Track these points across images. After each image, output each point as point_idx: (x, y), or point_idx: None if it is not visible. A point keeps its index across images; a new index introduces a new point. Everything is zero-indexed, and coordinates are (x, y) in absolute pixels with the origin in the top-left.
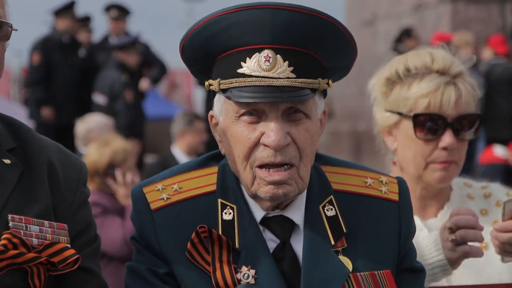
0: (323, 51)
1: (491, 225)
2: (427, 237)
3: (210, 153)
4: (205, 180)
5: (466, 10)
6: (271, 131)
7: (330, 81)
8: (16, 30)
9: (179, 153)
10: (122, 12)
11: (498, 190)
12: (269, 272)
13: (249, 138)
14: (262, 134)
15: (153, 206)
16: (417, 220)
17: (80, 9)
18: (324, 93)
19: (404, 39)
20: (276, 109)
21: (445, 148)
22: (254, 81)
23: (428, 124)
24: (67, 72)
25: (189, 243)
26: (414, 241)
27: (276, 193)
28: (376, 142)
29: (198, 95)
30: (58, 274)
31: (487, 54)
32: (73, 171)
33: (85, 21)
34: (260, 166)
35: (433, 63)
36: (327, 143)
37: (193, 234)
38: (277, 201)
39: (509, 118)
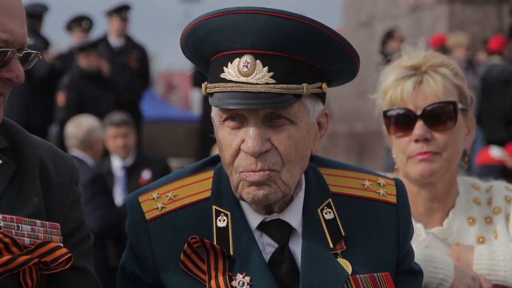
0: (310, 55)
1: (493, 233)
2: (447, 252)
3: (209, 157)
4: (200, 186)
5: (463, 11)
6: (249, 138)
7: (323, 85)
8: (40, 58)
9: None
10: (129, 12)
11: (497, 191)
12: (263, 279)
13: (231, 146)
14: (243, 140)
15: (148, 216)
16: (420, 228)
17: (79, 9)
18: (320, 96)
19: (388, 40)
20: (256, 115)
21: (417, 140)
22: (233, 86)
23: (396, 118)
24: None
25: (182, 254)
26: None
27: (256, 194)
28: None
29: (195, 96)
30: (51, 273)
31: (484, 55)
32: (65, 170)
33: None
34: (244, 171)
35: (403, 60)
36: (324, 144)
37: (185, 245)
38: (260, 204)
39: (504, 120)
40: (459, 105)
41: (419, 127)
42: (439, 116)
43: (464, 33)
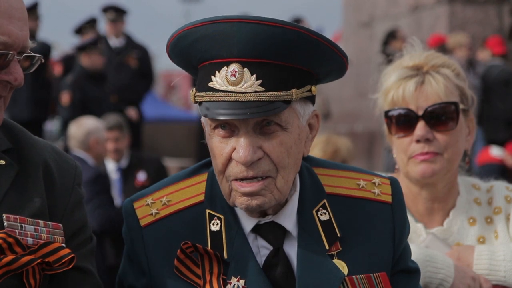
0: (298, 60)
1: (493, 233)
2: (447, 252)
3: (205, 160)
4: (194, 190)
5: (463, 11)
6: (240, 147)
7: (313, 87)
8: (42, 61)
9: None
10: (120, 13)
11: (498, 191)
12: (257, 282)
13: (222, 154)
14: (234, 149)
15: (142, 222)
16: (421, 228)
17: (83, 11)
18: (310, 98)
19: (390, 41)
20: (246, 124)
21: (418, 141)
22: (221, 96)
23: (398, 118)
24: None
25: (175, 260)
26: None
27: (250, 204)
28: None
29: None
30: (53, 274)
31: (484, 55)
32: (68, 171)
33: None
34: (235, 179)
35: (405, 61)
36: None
37: (178, 251)
38: (253, 211)
39: (505, 120)
40: (461, 106)
41: (420, 128)
42: (440, 117)
43: (464, 33)
